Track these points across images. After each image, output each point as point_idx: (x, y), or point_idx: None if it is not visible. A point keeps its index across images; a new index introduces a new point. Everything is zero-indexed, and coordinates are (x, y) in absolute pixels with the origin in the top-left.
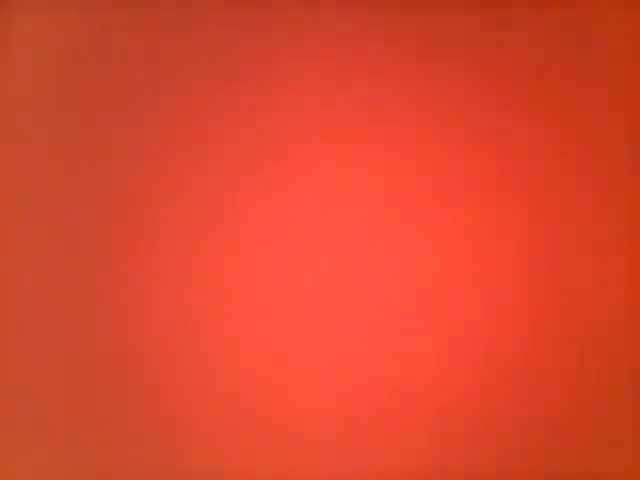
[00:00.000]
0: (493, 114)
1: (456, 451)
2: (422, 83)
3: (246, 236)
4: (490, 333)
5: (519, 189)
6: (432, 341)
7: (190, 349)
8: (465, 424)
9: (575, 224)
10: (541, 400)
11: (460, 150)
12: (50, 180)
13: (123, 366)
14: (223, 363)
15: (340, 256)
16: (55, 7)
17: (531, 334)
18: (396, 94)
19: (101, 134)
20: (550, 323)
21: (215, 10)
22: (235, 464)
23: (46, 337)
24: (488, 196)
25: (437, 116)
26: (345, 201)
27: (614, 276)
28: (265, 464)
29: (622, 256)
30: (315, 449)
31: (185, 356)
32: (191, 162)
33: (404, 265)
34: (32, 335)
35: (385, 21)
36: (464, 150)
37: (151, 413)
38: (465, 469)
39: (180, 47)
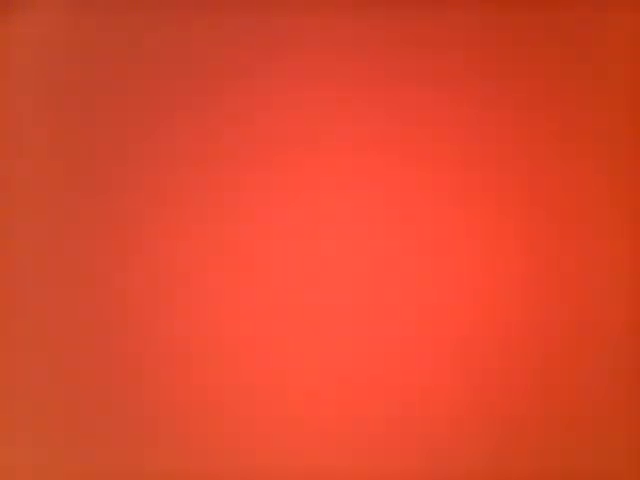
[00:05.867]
0: (493, 114)
1: (456, 452)
2: (422, 83)
3: (246, 237)
4: (491, 334)
5: (521, 191)
6: (433, 341)
7: (190, 348)
8: (465, 425)
9: (577, 226)
10: (541, 400)
11: (459, 150)
12: (50, 180)
13: (123, 366)
14: (223, 363)
15: (340, 257)
16: (55, 8)
17: (532, 335)
18: (396, 94)
19: (101, 134)
20: (552, 324)
21: (215, 10)
22: (235, 464)
23: (46, 337)
24: (489, 197)
25: (437, 115)
26: (344, 202)
27: (616, 277)
28: (265, 464)
29: (625, 257)
30: (315, 449)
31: (185, 356)
32: (192, 162)
33: (406, 268)
34: (32, 335)
35: (385, 21)
36: (463, 150)
37: (152, 413)
38: (465, 470)
39: (181, 48)
